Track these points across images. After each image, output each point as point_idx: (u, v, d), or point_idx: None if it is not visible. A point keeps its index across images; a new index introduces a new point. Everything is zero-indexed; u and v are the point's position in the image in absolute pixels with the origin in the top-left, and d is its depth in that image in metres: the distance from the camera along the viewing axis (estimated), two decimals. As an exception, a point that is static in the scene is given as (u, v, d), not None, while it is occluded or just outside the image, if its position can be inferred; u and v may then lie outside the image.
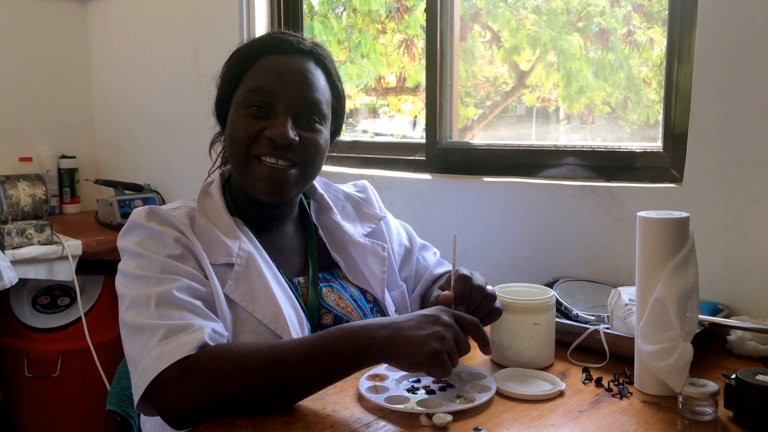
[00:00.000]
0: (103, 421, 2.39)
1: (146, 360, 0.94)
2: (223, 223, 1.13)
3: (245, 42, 1.19)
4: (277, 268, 1.14)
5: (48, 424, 2.44)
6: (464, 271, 1.11)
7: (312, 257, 1.22)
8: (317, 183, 1.29)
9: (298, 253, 1.23)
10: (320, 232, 1.26)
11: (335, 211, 1.27)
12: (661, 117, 1.53)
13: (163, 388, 0.93)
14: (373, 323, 0.95)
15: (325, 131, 1.16)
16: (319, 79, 1.14)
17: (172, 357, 0.93)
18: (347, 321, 1.17)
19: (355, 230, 1.27)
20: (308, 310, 1.15)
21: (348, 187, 1.37)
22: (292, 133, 1.08)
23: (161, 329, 0.95)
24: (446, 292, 1.08)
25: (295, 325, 1.08)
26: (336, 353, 0.93)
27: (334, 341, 0.93)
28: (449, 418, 0.91)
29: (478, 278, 1.11)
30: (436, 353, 0.90)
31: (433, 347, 0.90)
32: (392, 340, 0.92)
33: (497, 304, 1.11)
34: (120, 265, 1.07)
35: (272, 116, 1.10)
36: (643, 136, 1.74)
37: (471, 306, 1.07)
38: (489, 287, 1.13)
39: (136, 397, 0.96)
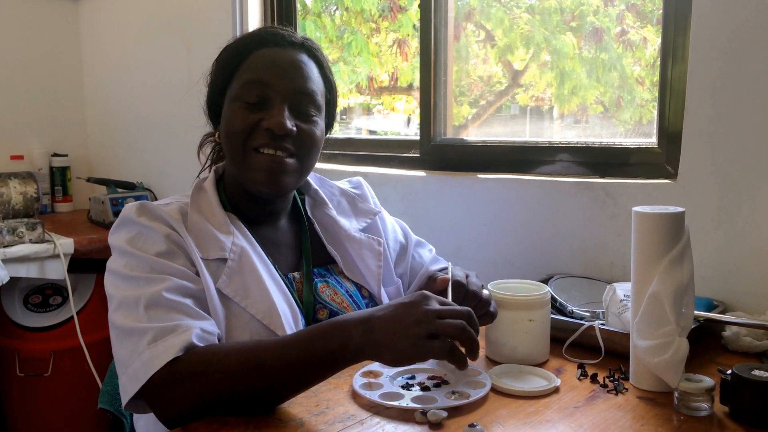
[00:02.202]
0: (95, 418, 2.39)
1: (136, 363, 0.93)
2: (217, 218, 1.12)
3: (237, 38, 1.18)
4: (272, 263, 1.14)
5: (40, 424, 2.42)
6: (459, 276, 1.10)
7: (306, 252, 1.21)
8: (312, 179, 1.28)
9: (293, 248, 1.22)
10: (316, 226, 1.25)
11: (330, 206, 1.27)
12: (653, 116, 1.53)
13: (154, 392, 0.92)
14: (351, 319, 0.90)
15: (321, 122, 1.16)
16: (313, 70, 1.14)
17: (160, 360, 0.92)
18: None
19: (350, 225, 1.26)
20: (303, 306, 1.14)
21: (343, 183, 1.36)
22: (289, 123, 1.08)
23: (150, 332, 0.95)
24: (442, 276, 1.11)
25: (289, 320, 1.08)
26: (313, 355, 0.89)
27: (310, 343, 0.90)
28: (444, 414, 0.91)
29: (474, 282, 1.11)
30: (415, 343, 0.84)
31: (411, 339, 0.85)
32: (368, 337, 0.87)
33: (492, 308, 1.10)
34: (109, 263, 1.06)
35: (268, 107, 1.09)
36: (636, 135, 1.74)
37: (468, 302, 1.07)
38: (485, 291, 1.12)
39: (125, 399, 0.95)
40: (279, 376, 0.90)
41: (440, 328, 0.85)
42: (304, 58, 1.14)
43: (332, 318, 0.94)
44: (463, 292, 1.09)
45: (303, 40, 1.16)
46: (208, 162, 1.28)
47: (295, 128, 1.09)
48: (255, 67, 1.11)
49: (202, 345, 0.95)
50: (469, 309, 0.90)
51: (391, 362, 0.87)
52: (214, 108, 1.17)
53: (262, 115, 1.09)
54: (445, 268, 1.35)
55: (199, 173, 1.27)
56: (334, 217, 1.25)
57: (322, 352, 0.89)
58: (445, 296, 1.06)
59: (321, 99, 1.15)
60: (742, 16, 1.31)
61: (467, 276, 1.15)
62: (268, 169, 1.09)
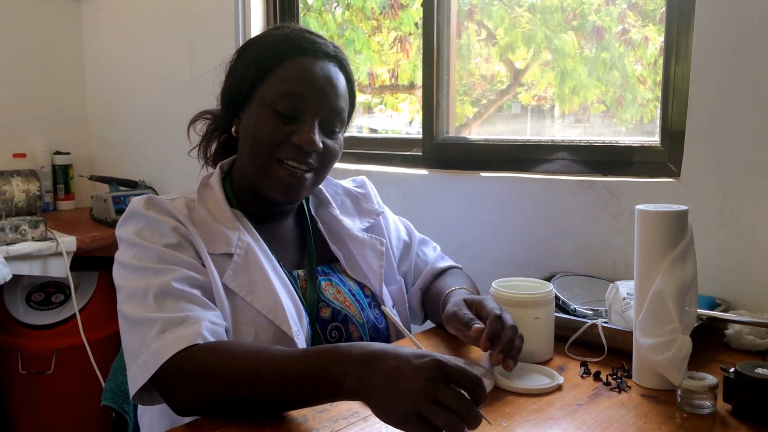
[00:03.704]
0: (98, 416, 2.40)
1: (146, 354, 0.94)
2: (223, 214, 1.13)
3: (267, 35, 1.17)
4: (277, 261, 1.14)
5: (42, 422, 2.42)
6: (498, 311, 1.04)
7: (309, 251, 1.22)
8: None
9: (298, 246, 1.23)
10: (319, 225, 1.26)
11: (334, 205, 1.28)
12: (655, 115, 1.53)
13: (163, 381, 0.93)
14: (353, 356, 0.83)
15: (342, 137, 1.17)
16: (343, 85, 1.15)
17: (169, 351, 0.93)
18: (345, 315, 1.17)
19: (353, 225, 1.27)
20: (307, 303, 1.15)
21: (347, 183, 1.37)
22: (318, 140, 1.09)
23: (159, 322, 0.95)
24: (477, 326, 1.02)
25: (294, 316, 1.08)
26: (310, 383, 0.85)
27: (308, 371, 0.85)
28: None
29: (508, 318, 1.05)
30: (404, 417, 0.77)
31: (401, 410, 0.77)
32: (363, 384, 0.81)
33: (518, 342, 1.05)
34: (117, 255, 1.07)
35: (300, 121, 1.10)
36: (637, 134, 1.73)
37: (504, 345, 1.01)
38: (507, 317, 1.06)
39: (133, 390, 0.95)
40: (274, 392, 0.88)
41: (431, 415, 0.76)
42: (337, 72, 1.14)
43: (337, 346, 0.87)
44: (501, 326, 1.02)
45: (335, 51, 1.16)
46: (204, 141, 1.26)
47: (322, 145, 1.10)
48: (292, 77, 1.10)
49: (212, 338, 0.96)
50: (471, 404, 0.78)
51: (380, 418, 0.80)
52: (234, 100, 1.17)
53: (293, 129, 1.09)
54: (450, 266, 1.36)
55: (189, 151, 1.26)
56: (337, 216, 1.26)
57: (318, 383, 0.85)
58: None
59: (346, 115, 1.17)
60: (745, 14, 1.31)
61: (502, 313, 1.06)
62: (287, 182, 1.10)
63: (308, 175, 1.12)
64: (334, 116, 1.13)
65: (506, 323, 1.03)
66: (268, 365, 0.89)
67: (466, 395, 0.78)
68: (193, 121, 1.25)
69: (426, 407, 0.75)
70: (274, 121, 1.10)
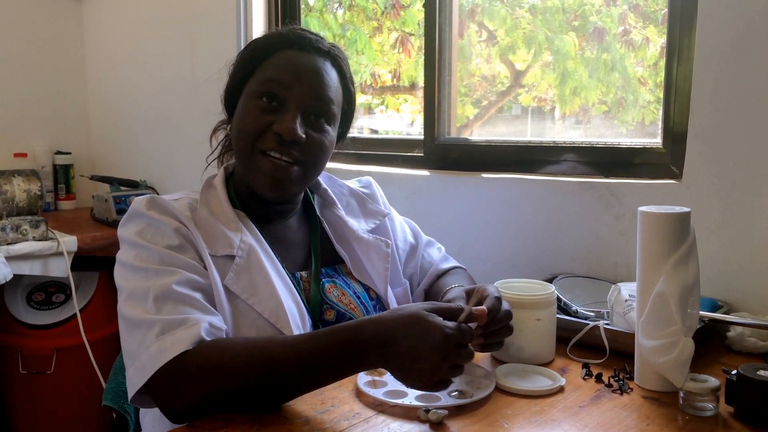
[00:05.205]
0: (98, 416, 2.39)
1: (144, 356, 0.93)
2: (225, 215, 1.12)
3: (265, 34, 1.19)
4: (280, 262, 1.14)
5: (42, 422, 2.42)
6: (496, 293, 1.05)
7: (315, 252, 1.21)
8: (321, 178, 1.28)
9: (302, 248, 1.22)
10: (325, 226, 1.25)
11: (339, 206, 1.27)
12: (656, 117, 1.53)
13: (160, 384, 0.92)
14: (369, 339, 0.90)
15: (332, 132, 1.15)
16: (333, 79, 1.14)
17: (169, 354, 0.92)
18: (350, 317, 1.16)
19: (359, 226, 1.26)
20: (310, 305, 1.14)
21: (353, 183, 1.36)
22: (300, 130, 1.08)
23: (158, 324, 0.95)
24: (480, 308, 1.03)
25: (296, 319, 1.08)
26: (325, 365, 0.91)
27: (322, 352, 0.91)
28: (444, 413, 0.91)
29: (506, 304, 1.07)
30: (431, 384, 0.89)
31: (422, 382, 0.89)
32: (382, 362, 0.90)
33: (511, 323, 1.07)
34: (118, 255, 1.07)
35: (282, 111, 1.09)
36: (638, 135, 1.73)
37: (494, 325, 1.02)
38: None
39: (132, 392, 0.95)
40: (289, 377, 0.91)
41: (450, 376, 0.90)
42: (327, 65, 1.13)
43: (349, 328, 0.92)
44: (497, 308, 1.03)
45: (330, 48, 1.15)
46: (219, 148, 1.27)
47: (305, 136, 1.09)
48: (276, 66, 1.11)
49: (210, 340, 0.95)
50: (472, 350, 0.91)
51: (405, 384, 0.92)
52: (231, 99, 1.17)
53: (275, 118, 1.08)
54: (455, 267, 1.36)
55: (208, 157, 1.26)
56: (342, 217, 1.25)
57: (337, 365, 0.91)
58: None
59: (336, 108, 1.14)
60: (747, 16, 1.31)
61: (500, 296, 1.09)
62: (271, 174, 1.09)
63: (294, 168, 1.10)
64: (320, 106, 1.11)
65: (503, 307, 1.04)
66: (281, 348, 0.92)
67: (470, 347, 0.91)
68: (215, 130, 1.25)
69: (446, 374, 0.88)
70: (256, 110, 1.09)
